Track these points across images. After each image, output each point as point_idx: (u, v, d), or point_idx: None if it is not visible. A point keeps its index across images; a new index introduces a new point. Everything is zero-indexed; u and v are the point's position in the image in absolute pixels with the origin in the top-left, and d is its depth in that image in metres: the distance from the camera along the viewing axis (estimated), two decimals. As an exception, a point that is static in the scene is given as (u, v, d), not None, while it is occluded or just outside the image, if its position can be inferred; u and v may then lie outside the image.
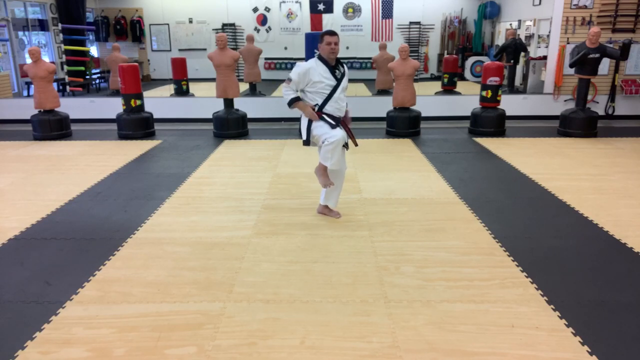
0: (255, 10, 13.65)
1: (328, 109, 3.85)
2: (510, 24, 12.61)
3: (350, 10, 13.60)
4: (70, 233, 3.90)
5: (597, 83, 8.36)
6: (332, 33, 3.80)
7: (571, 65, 7.25)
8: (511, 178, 5.31)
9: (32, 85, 7.93)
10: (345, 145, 3.99)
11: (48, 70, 7.19)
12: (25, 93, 10.77)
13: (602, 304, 2.83)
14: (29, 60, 7.82)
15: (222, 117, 7.47)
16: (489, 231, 3.86)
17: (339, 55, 3.87)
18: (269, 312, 2.76)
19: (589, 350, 2.41)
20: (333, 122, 3.84)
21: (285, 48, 13.58)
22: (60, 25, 11.13)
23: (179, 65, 10.52)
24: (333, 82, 3.82)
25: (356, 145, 4.09)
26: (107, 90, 11.31)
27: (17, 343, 2.51)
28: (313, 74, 3.79)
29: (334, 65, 3.86)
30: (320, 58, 3.85)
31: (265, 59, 13.52)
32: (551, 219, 4.12)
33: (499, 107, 7.53)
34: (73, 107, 8.44)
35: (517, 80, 10.70)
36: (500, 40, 12.79)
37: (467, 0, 13.89)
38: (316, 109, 3.85)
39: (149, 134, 7.64)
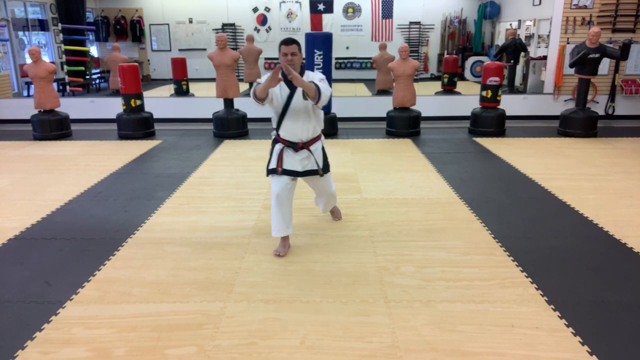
0: (255, 10, 13.66)
1: (282, 132, 3.39)
2: (510, 24, 12.61)
3: (350, 10, 13.60)
4: (70, 233, 3.90)
5: (597, 83, 8.36)
6: (288, 42, 3.17)
7: (571, 65, 7.25)
8: (511, 178, 5.31)
9: (32, 85, 7.93)
10: (317, 172, 3.50)
11: (48, 70, 7.19)
12: (25, 93, 10.78)
13: (602, 304, 2.83)
14: (29, 60, 7.83)
15: (222, 117, 7.47)
16: (489, 231, 3.86)
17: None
18: (269, 312, 2.76)
19: (589, 350, 2.41)
20: (276, 167, 3.35)
21: (285, 48, 13.57)
22: (60, 25, 11.13)
23: (179, 65, 10.52)
24: (285, 95, 3.25)
25: (321, 175, 3.53)
26: (107, 90, 11.32)
27: (17, 343, 2.51)
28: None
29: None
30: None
31: (265, 59, 13.52)
32: (551, 219, 4.12)
33: (499, 107, 7.53)
34: (73, 107, 8.44)
35: (517, 80, 10.70)
36: (500, 40, 12.80)
37: (467, 0, 13.90)
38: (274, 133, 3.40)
39: (149, 134, 7.63)
